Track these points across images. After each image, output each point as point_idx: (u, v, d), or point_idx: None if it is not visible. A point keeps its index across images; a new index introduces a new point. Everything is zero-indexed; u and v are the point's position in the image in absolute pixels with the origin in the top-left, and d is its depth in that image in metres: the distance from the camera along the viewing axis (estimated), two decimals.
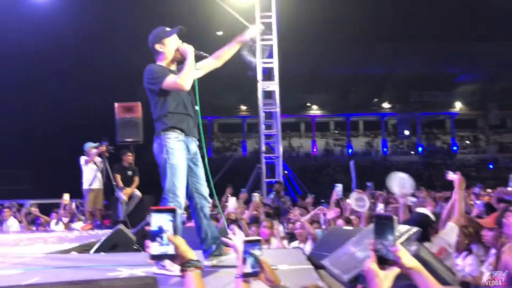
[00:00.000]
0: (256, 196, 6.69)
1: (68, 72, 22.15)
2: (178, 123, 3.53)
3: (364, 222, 5.20)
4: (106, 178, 8.81)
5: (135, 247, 5.35)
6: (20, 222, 9.33)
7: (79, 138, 9.26)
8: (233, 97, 38.81)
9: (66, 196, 9.07)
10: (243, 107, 41.52)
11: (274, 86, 11.73)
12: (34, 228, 9.32)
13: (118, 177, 8.89)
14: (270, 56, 11.83)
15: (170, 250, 1.63)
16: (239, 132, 41.45)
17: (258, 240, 1.89)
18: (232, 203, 6.16)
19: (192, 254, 1.69)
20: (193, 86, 3.64)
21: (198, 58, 3.66)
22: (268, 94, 12.13)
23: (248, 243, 1.84)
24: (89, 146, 8.80)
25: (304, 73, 32.56)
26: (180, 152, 3.49)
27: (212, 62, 3.84)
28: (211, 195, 3.79)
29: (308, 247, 5.15)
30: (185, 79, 3.45)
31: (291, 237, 5.93)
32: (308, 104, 40.31)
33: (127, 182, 8.95)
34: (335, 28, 26.34)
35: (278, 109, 11.69)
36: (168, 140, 3.48)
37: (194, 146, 3.66)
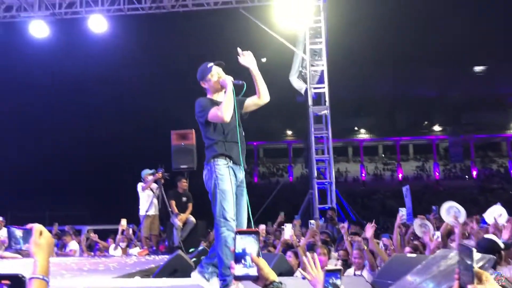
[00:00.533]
0: (313, 223, 6.62)
1: (123, 102, 23.06)
2: (226, 151, 3.65)
3: (430, 250, 5.01)
4: (162, 204, 8.98)
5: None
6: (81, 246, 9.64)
7: (136, 165, 9.53)
8: (279, 122, 38.95)
9: (124, 222, 9.28)
10: (289, 132, 41.55)
11: (324, 110, 11.72)
12: (92, 254, 9.59)
13: (173, 203, 9.04)
14: (321, 81, 11.88)
15: (253, 271, 1.68)
16: (285, 157, 41.39)
17: (339, 270, 1.89)
18: (288, 230, 6.08)
19: (275, 276, 1.72)
20: (235, 118, 3.76)
21: (237, 88, 3.77)
22: (318, 119, 12.11)
23: (329, 273, 1.84)
24: (146, 173, 9.04)
25: (351, 96, 32.31)
26: (228, 178, 3.59)
27: (256, 99, 3.94)
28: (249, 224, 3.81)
29: (365, 274, 5.02)
30: (225, 110, 3.58)
31: (343, 264, 5.78)
32: (356, 128, 39.86)
33: (182, 208, 9.09)
34: (383, 52, 26.15)
35: (329, 134, 11.64)
36: (218, 166, 3.60)
37: (241, 174, 3.75)
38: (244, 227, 3.70)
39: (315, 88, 11.83)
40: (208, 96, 3.87)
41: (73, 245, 9.36)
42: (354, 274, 5.21)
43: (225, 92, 3.71)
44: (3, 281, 1.57)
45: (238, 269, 1.68)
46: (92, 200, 23.00)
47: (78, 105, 22.66)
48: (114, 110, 22.90)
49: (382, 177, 38.12)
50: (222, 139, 3.67)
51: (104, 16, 11.62)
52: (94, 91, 21.94)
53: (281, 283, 1.72)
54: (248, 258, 1.68)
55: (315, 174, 11.64)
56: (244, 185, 3.80)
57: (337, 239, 7.47)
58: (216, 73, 3.80)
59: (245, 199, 3.77)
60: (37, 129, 23.48)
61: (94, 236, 9.86)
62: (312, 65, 11.81)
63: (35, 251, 1.62)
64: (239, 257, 1.69)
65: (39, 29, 11.66)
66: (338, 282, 1.83)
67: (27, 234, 1.67)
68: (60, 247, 10.06)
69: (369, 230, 5.30)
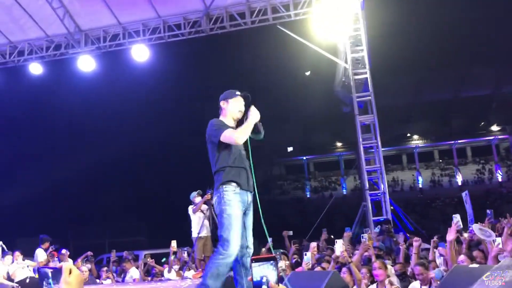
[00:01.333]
0: (365, 237, 6.35)
1: (168, 126, 23.62)
2: (235, 177, 3.75)
3: (492, 259, 4.64)
4: (213, 225, 8.99)
5: None
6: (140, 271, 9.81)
7: (187, 187, 9.61)
8: (327, 135, 38.53)
9: (174, 243, 9.36)
10: (339, 144, 40.97)
11: (371, 119, 11.41)
12: (149, 278, 9.72)
13: None
14: (365, 89, 11.61)
15: None
16: (336, 170, 40.76)
17: None
18: (339, 246, 5.86)
19: None
20: (246, 142, 3.91)
21: (255, 128, 3.89)
22: (366, 128, 11.80)
23: None
24: (194, 195, 9.09)
25: (400, 102, 31.45)
26: (236, 204, 3.70)
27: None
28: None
29: None
30: (242, 134, 3.75)
31: (402, 278, 5.48)
32: (408, 134, 38.69)
33: None
34: (430, 53, 25.37)
35: (378, 143, 11.30)
36: (226, 193, 3.70)
37: (249, 197, 3.86)
38: (249, 244, 3.80)
39: (360, 97, 11.56)
40: (221, 118, 3.99)
41: (133, 272, 9.52)
42: None
43: (245, 118, 3.86)
44: None
45: None
46: (148, 225, 23.55)
47: (128, 132, 23.43)
48: (161, 134, 23.49)
49: (440, 184, 36.58)
50: (230, 165, 3.77)
51: (146, 45, 11.99)
52: (141, 116, 22.62)
53: None
54: (264, 287, 1.63)
55: (367, 186, 11.28)
56: (251, 207, 3.90)
57: (394, 252, 7.15)
58: (241, 102, 3.98)
59: (250, 219, 3.88)
60: (91, 160, 24.45)
61: (151, 261, 10.02)
62: (355, 74, 11.56)
63: None
64: (257, 286, 1.62)
65: (86, 63, 12.19)
66: None
67: (57, 273, 1.67)
68: (119, 273, 10.28)
69: (452, 232, 4.94)
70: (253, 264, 1.64)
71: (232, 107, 3.96)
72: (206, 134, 3.89)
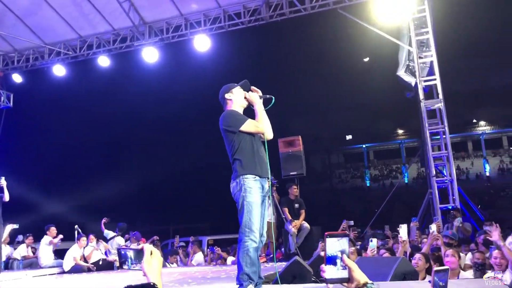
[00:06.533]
0: (432, 227, 6.18)
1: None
2: (254, 165, 3.80)
3: None
4: (277, 212, 9.08)
5: (313, 278, 5.30)
6: (205, 256, 10.15)
7: None
8: (389, 122, 37.57)
9: None
10: (400, 131, 39.88)
11: (438, 104, 10.97)
12: (213, 263, 10.00)
13: (286, 210, 9.11)
14: (431, 73, 11.17)
15: (345, 274, 1.65)
16: (397, 158, 39.75)
17: (446, 270, 1.78)
18: (403, 231, 5.69)
19: (366, 278, 1.65)
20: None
21: (265, 101, 4.04)
22: (431, 114, 11.39)
23: (438, 273, 1.73)
24: None
25: (466, 87, 30.02)
26: (256, 191, 3.75)
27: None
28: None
29: (507, 276, 4.53)
30: (262, 122, 3.89)
31: (480, 268, 5.28)
32: (474, 120, 36.94)
33: (295, 215, 9.12)
34: (499, 36, 23.97)
35: (446, 128, 10.87)
36: (246, 180, 3.75)
37: (267, 185, 3.89)
38: (263, 233, 3.83)
39: (425, 81, 11.15)
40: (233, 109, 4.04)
41: (198, 256, 9.84)
42: (494, 277, 4.76)
43: (252, 107, 3.98)
44: None
45: (329, 272, 1.64)
46: (210, 212, 24.13)
47: (193, 120, 24.01)
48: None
49: (510, 171, 34.71)
50: (249, 154, 3.82)
51: (207, 35, 12.17)
52: (204, 106, 23.12)
53: (373, 283, 1.64)
54: (338, 261, 1.64)
55: (434, 172, 10.90)
56: (267, 194, 3.93)
57: (469, 240, 6.92)
58: (242, 91, 4.06)
59: (266, 209, 3.91)
60: (156, 150, 25.32)
61: (217, 249, 10.30)
62: (420, 57, 11.15)
63: (147, 269, 1.69)
64: (329, 260, 1.65)
65: (150, 54, 12.57)
66: (441, 283, 1.73)
67: (138, 254, 1.76)
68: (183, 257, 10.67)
69: (495, 233, 4.82)
70: (328, 239, 1.65)
71: (238, 96, 4.04)
72: (222, 125, 3.94)
